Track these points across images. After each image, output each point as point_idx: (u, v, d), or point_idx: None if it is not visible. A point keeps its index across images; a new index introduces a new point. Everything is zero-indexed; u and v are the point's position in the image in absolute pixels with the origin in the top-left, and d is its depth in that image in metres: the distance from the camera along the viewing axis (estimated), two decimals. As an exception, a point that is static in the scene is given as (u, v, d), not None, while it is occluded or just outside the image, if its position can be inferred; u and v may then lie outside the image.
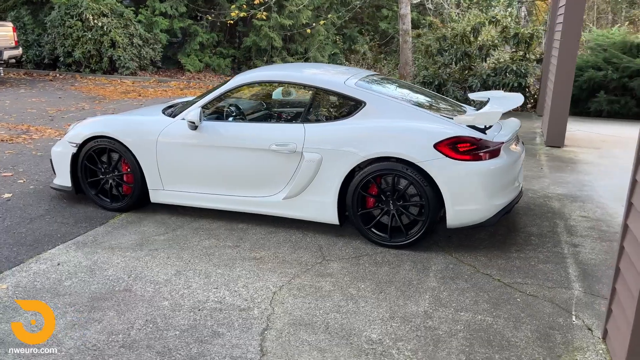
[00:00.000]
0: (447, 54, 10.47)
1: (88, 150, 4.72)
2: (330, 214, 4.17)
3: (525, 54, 10.44)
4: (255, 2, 15.35)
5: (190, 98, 5.69)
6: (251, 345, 2.84)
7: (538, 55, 10.63)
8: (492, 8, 19.04)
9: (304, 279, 3.57)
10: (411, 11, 16.12)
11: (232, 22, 15.26)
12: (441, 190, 3.82)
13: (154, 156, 4.53)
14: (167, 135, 4.49)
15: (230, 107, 4.70)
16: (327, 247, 4.09)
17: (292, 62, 17.33)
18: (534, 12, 22.59)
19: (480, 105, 4.67)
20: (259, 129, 4.34)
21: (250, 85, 4.57)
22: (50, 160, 5.06)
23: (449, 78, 10.42)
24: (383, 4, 19.39)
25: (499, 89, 9.98)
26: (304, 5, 16.58)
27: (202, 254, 3.95)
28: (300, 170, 4.13)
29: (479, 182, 3.82)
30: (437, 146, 3.81)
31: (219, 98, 4.52)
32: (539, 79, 10.72)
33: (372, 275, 3.64)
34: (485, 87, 10.04)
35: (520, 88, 9.85)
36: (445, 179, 3.80)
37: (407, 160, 3.85)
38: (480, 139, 3.87)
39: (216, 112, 4.60)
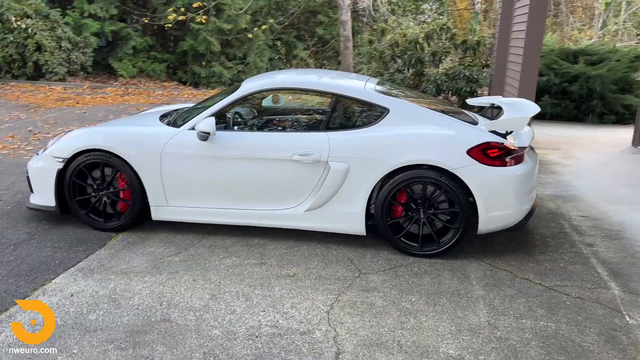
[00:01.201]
0: (400, 60, 10.62)
1: (78, 166, 4.26)
2: (357, 225, 4.02)
3: (472, 60, 10.81)
4: (194, 6, 14.85)
5: (181, 105, 5.32)
6: (332, 372, 2.65)
7: (484, 62, 11.05)
8: (422, 15, 19.70)
9: (351, 295, 3.40)
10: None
11: (169, 25, 14.63)
12: (475, 197, 3.80)
13: (158, 170, 4.17)
14: (173, 147, 4.14)
15: (236, 116, 4.43)
16: (357, 259, 3.94)
17: (231, 67, 16.94)
18: (453, 20, 23.61)
19: (487, 111, 4.73)
20: (278, 138, 4.11)
21: (264, 92, 4.32)
22: (27, 177, 4.53)
23: (402, 83, 10.57)
24: (318, 9, 19.45)
25: (454, 95, 10.29)
26: (243, 10, 16.25)
27: (229, 274, 3.67)
28: (326, 180, 3.95)
29: (510, 187, 3.84)
30: (469, 152, 3.79)
31: (230, 106, 4.23)
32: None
33: (417, 287, 3.54)
34: (439, 92, 10.30)
35: (471, 93, 10.19)
36: (478, 185, 3.78)
37: (440, 167, 3.80)
38: (505, 144, 3.89)
39: (224, 121, 4.31)
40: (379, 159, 3.86)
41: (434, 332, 3.01)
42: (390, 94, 4.20)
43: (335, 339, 2.93)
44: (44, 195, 4.40)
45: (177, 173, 4.16)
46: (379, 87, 4.27)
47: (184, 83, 17.00)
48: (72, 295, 3.35)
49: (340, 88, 4.17)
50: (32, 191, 4.52)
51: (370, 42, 11.35)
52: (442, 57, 10.44)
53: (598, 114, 10.67)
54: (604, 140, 8.92)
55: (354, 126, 4.14)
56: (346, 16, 15.97)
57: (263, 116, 4.75)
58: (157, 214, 4.30)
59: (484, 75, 10.47)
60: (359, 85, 4.20)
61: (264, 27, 16.06)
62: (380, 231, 4.00)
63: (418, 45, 10.36)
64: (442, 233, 3.97)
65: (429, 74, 10.54)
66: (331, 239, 4.25)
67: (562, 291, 3.52)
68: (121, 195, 4.34)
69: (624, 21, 21.54)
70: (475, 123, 4.17)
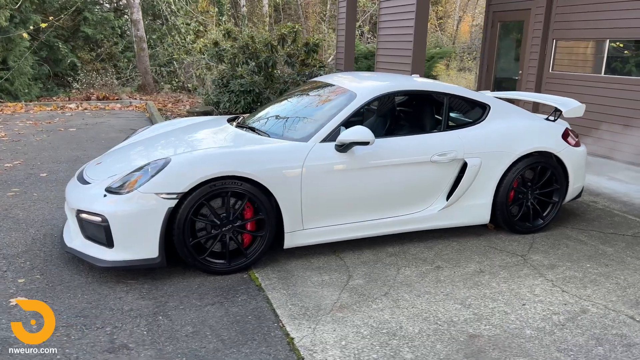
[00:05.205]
0: (252, 62, 10.58)
1: (199, 200, 3.40)
2: (484, 215, 4.30)
3: (313, 60, 11.48)
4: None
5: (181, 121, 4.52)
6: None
7: (319, 63, 11.83)
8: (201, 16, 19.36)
9: (552, 275, 3.71)
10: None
11: None
12: (569, 173, 4.50)
13: (298, 191, 3.66)
14: (314, 162, 3.68)
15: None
16: (494, 246, 4.22)
17: (-9, 75, 13.73)
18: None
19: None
20: (415, 141, 4.06)
21: (384, 97, 4.16)
22: (105, 227, 3.36)
23: (256, 85, 10.58)
24: (81, 6, 17.18)
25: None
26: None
27: (432, 283, 3.56)
28: (464, 177, 4.11)
29: (584, 163, 4.68)
30: (563, 137, 4.48)
31: (355, 112, 3.95)
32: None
33: (570, 256, 4.03)
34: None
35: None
36: (570, 164, 4.49)
37: (549, 152, 4.37)
38: (571, 129, 4.70)
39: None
40: (506, 150, 4.22)
41: (645, 284, 3.63)
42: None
43: (607, 307, 3.27)
44: (140, 246, 3.37)
45: (317, 191, 3.73)
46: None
47: None
48: (344, 344, 2.82)
49: (451, 88, 4.34)
50: (110, 245, 3.38)
51: (216, 43, 10.93)
52: (297, 59, 10.80)
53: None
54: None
55: (470, 123, 4.35)
56: (137, 15, 14.77)
57: (381, 120, 4.51)
58: (291, 241, 3.75)
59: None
60: (461, 86, 4.43)
61: (43, 25, 13.51)
62: (503, 217, 4.35)
63: (273, 48, 10.49)
64: (541, 210, 4.54)
65: (283, 75, 10.80)
66: (452, 234, 4.41)
67: (660, 244, 4.50)
68: (248, 227, 3.63)
69: (359, 25, 25.19)
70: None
